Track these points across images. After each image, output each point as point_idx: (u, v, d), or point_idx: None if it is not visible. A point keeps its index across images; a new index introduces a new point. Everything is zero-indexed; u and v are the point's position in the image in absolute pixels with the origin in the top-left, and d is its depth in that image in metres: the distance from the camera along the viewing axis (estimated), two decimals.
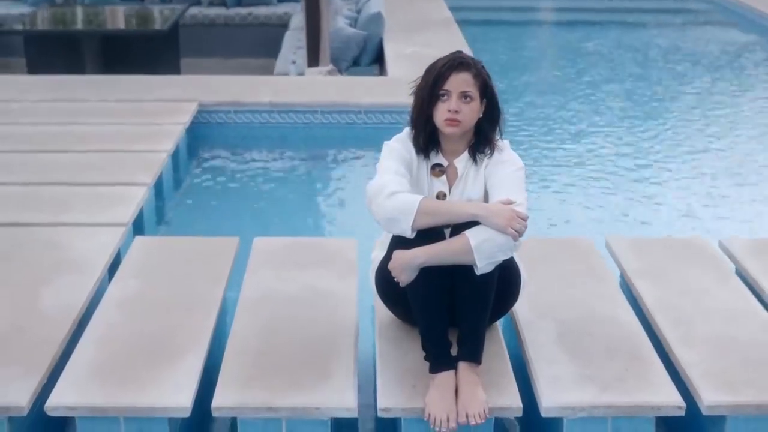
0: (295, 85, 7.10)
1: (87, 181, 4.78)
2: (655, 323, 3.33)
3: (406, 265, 2.81)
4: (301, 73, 8.29)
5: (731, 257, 3.94)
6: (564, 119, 7.44)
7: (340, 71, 8.50)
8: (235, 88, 6.85)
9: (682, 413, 2.84)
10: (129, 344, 3.10)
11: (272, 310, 3.34)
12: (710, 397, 2.85)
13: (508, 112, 7.29)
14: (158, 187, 5.17)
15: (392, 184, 2.85)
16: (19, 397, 2.80)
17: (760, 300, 3.57)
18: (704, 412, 2.85)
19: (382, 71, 8.45)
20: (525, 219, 2.81)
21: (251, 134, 6.61)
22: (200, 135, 6.43)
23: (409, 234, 2.81)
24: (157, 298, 3.43)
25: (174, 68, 8.52)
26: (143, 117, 6.05)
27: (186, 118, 6.04)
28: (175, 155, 5.65)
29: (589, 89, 8.36)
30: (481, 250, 2.76)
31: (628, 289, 3.69)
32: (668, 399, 2.84)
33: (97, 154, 5.25)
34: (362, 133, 6.64)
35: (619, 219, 5.40)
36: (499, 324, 3.28)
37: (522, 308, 3.33)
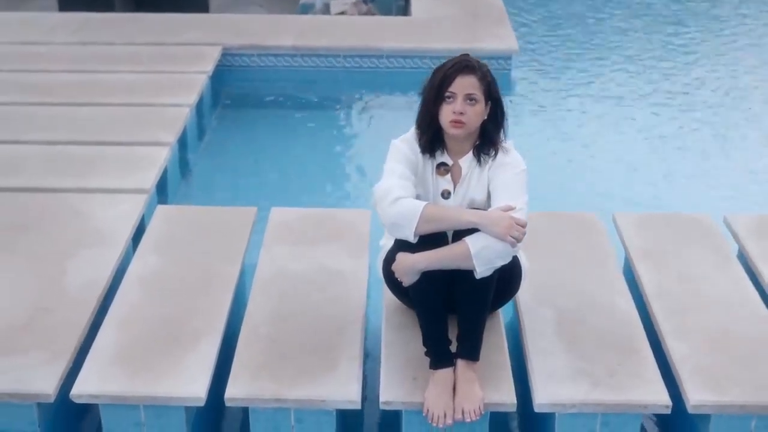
0: (318, 26, 7.12)
1: (110, 140, 4.92)
2: (652, 312, 3.46)
3: (409, 268, 2.94)
4: (327, 3, 8.30)
5: (734, 236, 4.03)
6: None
7: (365, 2, 8.48)
8: (259, 30, 6.90)
9: (668, 411, 2.99)
10: (148, 328, 3.28)
11: (284, 292, 3.50)
12: (696, 396, 3.00)
13: (531, 49, 7.32)
14: (182, 141, 5.29)
15: (396, 189, 2.96)
16: (46, 385, 2.99)
17: (758, 286, 3.67)
18: (690, 410, 3.00)
19: (407, 2, 8.43)
20: (523, 226, 2.92)
21: (275, 77, 6.72)
22: (224, 79, 6.55)
23: (411, 239, 2.93)
24: (176, 277, 3.60)
25: None
26: (167, 64, 6.15)
27: (209, 66, 6.13)
28: (198, 105, 5.76)
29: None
30: (480, 256, 2.89)
31: (630, 271, 3.81)
32: (656, 398, 2.98)
33: (121, 108, 5.38)
34: (384, 77, 6.72)
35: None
36: (502, 310, 3.42)
37: (524, 294, 3.46)
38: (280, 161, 5.63)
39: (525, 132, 5.94)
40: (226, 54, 6.59)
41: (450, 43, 6.64)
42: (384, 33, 6.92)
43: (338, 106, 6.57)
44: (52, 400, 2.98)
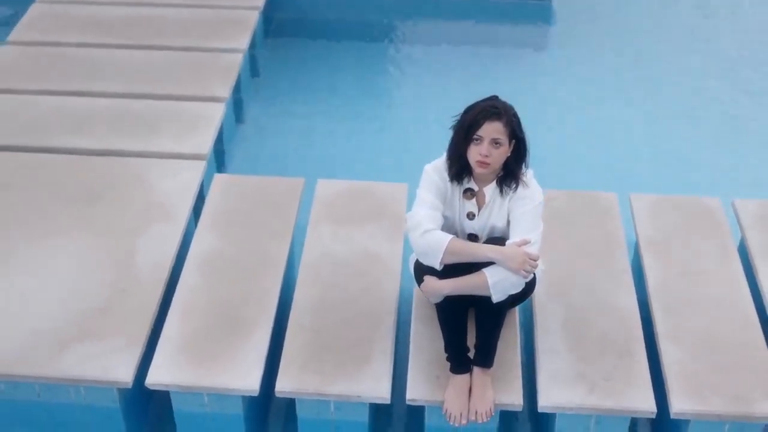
0: None
1: (167, 93, 5.31)
2: (652, 309, 3.88)
3: (434, 292, 3.41)
4: None
5: (739, 225, 4.37)
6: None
7: None
8: None
9: (653, 416, 3.47)
10: (207, 316, 3.78)
11: (327, 279, 3.97)
12: (678, 405, 3.46)
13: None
14: (235, 87, 5.62)
15: (426, 221, 3.37)
16: (123, 373, 3.54)
17: (753, 282, 4.06)
18: (672, 416, 3.48)
19: None
20: (536, 259, 3.34)
21: (322, 2, 6.96)
22: (272, 4, 6.78)
23: (437, 267, 3.37)
24: (231, 258, 4.07)
25: None
26: None
27: (260, 1, 6.39)
28: (250, 43, 6.05)
29: None
30: (497, 287, 3.33)
31: (638, 257, 4.21)
32: (643, 405, 3.45)
33: (176, 54, 5.71)
34: (431, 4, 6.95)
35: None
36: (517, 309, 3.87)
37: (539, 288, 3.87)
38: (329, 102, 5.94)
39: (557, 81, 6.15)
40: None
41: None
42: None
43: (384, 34, 6.81)
44: (129, 386, 3.54)
